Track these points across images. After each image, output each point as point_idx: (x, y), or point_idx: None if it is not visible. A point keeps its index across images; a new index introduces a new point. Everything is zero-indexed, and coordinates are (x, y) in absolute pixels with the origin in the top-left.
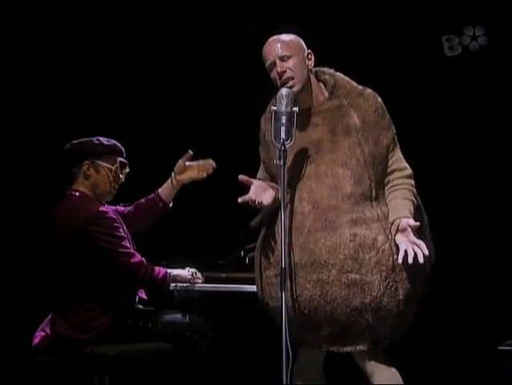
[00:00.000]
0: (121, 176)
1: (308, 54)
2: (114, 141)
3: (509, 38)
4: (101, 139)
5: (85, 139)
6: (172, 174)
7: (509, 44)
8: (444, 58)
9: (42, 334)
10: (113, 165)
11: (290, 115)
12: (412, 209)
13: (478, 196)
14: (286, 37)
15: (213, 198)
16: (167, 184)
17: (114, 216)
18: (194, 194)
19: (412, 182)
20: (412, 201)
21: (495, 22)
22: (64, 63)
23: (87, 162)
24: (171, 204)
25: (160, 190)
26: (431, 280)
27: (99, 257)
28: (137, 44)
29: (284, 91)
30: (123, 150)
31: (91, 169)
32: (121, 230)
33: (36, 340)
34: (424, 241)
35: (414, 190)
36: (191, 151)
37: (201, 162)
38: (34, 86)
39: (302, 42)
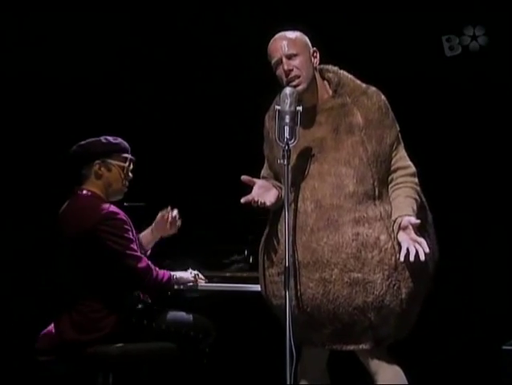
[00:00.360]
0: (130, 173)
1: (314, 52)
2: (120, 139)
3: (510, 38)
4: (108, 137)
5: (91, 139)
6: (153, 224)
7: (510, 44)
8: (444, 58)
9: (47, 334)
10: (124, 162)
11: (294, 114)
12: (414, 207)
13: (478, 196)
14: (292, 34)
15: (216, 197)
16: (147, 232)
17: (124, 218)
18: (198, 193)
19: (416, 180)
20: (415, 199)
21: (495, 22)
22: (64, 63)
23: (97, 162)
24: (149, 252)
25: (140, 235)
26: (434, 279)
27: (107, 258)
28: (137, 44)
29: (288, 90)
30: (129, 147)
31: (102, 168)
32: (130, 233)
33: (40, 341)
34: (427, 239)
35: (418, 188)
36: (170, 208)
37: (172, 215)
38: (34, 86)
39: (308, 40)
